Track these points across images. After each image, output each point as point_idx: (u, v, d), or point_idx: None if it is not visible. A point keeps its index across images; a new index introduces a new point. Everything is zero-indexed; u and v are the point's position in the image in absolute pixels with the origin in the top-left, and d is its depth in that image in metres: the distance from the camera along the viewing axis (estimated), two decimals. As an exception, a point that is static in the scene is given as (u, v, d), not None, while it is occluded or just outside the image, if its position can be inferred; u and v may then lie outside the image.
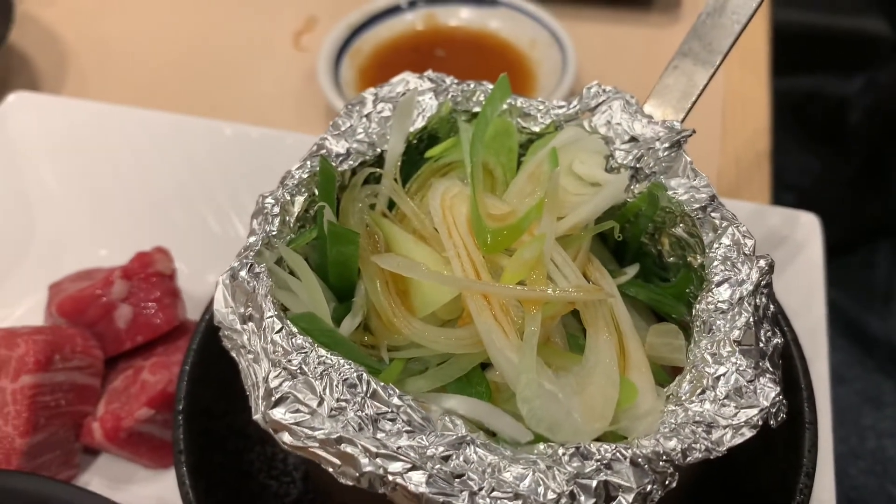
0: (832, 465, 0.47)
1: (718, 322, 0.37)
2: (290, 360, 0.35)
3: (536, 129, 0.47)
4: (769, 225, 0.58)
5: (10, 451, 0.48)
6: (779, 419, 0.36)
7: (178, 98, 0.84)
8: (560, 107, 0.47)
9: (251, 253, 0.39)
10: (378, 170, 0.44)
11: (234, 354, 0.38)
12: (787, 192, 1.43)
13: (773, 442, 0.48)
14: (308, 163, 0.43)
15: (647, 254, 0.45)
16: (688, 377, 0.37)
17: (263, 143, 0.69)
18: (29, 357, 0.48)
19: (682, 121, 0.46)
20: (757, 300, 0.38)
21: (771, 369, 0.37)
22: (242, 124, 0.71)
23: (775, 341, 0.38)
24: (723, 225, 0.40)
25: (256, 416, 0.35)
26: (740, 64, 0.79)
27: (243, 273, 0.38)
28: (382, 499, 0.34)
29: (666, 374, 0.40)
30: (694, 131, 0.43)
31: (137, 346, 0.53)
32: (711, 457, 0.34)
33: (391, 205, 0.44)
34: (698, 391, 0.36)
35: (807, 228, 0.58)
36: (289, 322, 0.36)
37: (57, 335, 0.50)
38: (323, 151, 0.44)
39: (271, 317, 0.36)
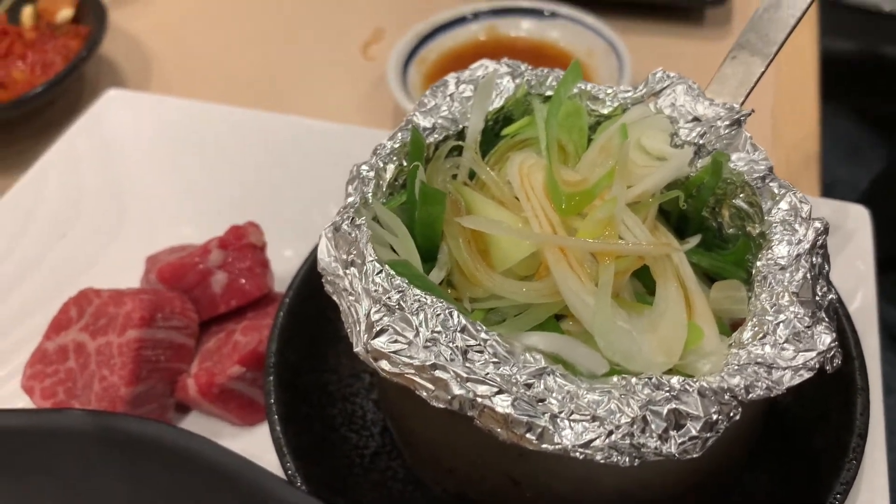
0: (883, 428, 0.49)
1: (778, 276, 0.41)
2: (389, 297, 0.39)
3: (605, 111, 0.51)
4: (820, 215, 0.61)
5: (116, 398, 0.53)
6: (834, 364, 0.39)
7: (254, 103, 0.89)
8: (627, 91, 0.51)
9: (351, 209, 0.44)
10: (460, 143, 0.49)
11: (335, 298, 0.42)
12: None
13: (828, 408, 0.51)
14: (399, 135, 0.48)
15: (707, 228, 0.49)
16: (749, 325, 0.40)
17: (338, 137, 0.74)
18: (135, 314, 0.53)
19: (741, 105, 0.50)
20: (813, 258, 0.41)
21: (826, 319, 0.40)
22: (318, 121, 0.76)
23: (830, 296, 0.41)
24: (781, 192, 0.44)
25: (358, 349, 0.39)
26: (789, 69, 0.83)
27: (345, 225, 0.42)
28: (465, 429, 0.38)
29: (728, 329, 0.43)
30: (753, 111, 0.47)
31: (230, 310, 0.57)
32: (772, 394, 0.38)
33: (471, 176, 0.49)
34: (759, 336, 0.39)
35: (856, 219, 0.61)
36: (387, 266, 0.41)
37: (158, 297, 0.55)
38: (411, 125, 0.48)
39: (372, 261, 0.40)
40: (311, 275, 0.55)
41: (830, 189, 1.58)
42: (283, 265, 0.64)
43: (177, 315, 0.55)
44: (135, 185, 0.73)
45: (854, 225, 0.60)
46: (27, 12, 0.91)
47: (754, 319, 0.40)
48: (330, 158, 0.73)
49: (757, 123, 0.77)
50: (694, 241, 0.47)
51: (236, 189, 0.72)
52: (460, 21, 0.88)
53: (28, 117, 0.83)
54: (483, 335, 0.38)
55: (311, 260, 0.56)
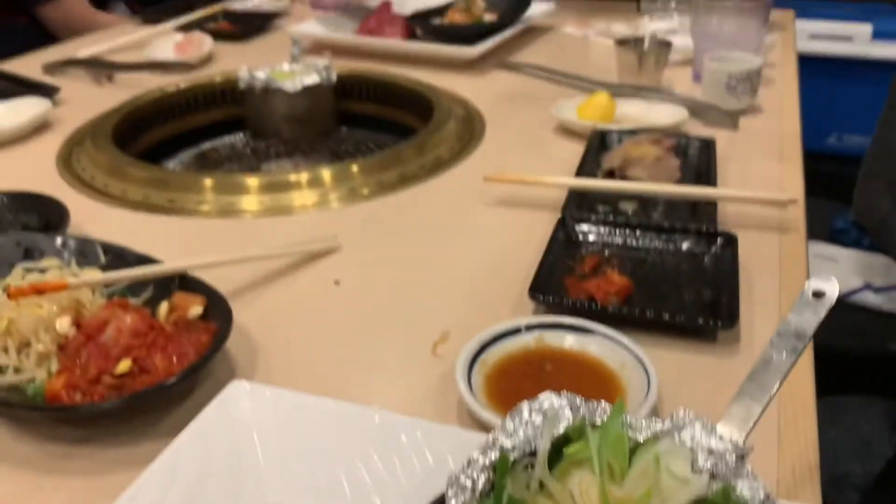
0: None
1: (775, 579, 0.54)
2: (490, 585, 0.53)
3: (641, 439, 0.67)
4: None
5: None
6: None
7: (342, 388, 1.07)
8: (657, 424, 0.67)
9: (457, 511, 0.59)
10: (533, 460, 0.65)
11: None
12: (851, 491, 1.56)
13: None
14: (489, 452, 0.64)
15: (723, 536, 0.63)
16: None
17: (416, 430, 0.90)
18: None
19: (745, 439, 0.66)
20: (802, 570, 0.55)
21: None
22: (400, 416, 0.92)
23: None
24: (775, 515, 0.58)
25: None
26: (791, 391, 0.99)
27: (453, 525, 0.57)
28: None
29: None
30: (752, 448, 0.63)
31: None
32: None
33: (541, 485, 0.64)
34: None
35: (849, 529, 0.74)
36: (487, 559, 0.55)
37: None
38: (497, 444, 0.64)
39: (477, 554, 0.55)
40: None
41: (840, 480, 1.70)
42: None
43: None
44: (250, 463, 0.89)
45: (847, 534, 0.73)
46: (163, 307, 1.12)
47: None
48: (409, 448, 0.89)
49: (765, 435, 0.93)
50: (713, 547, 0.60)
51: (332, 469, 0.88)
52: (515, 332, 1.08)
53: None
54: None
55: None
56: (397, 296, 1.24)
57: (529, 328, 1.08)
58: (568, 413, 0.68)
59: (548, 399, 0.69)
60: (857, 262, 2.19)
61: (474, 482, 0.62)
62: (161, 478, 0.85)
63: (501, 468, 0.63)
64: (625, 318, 1.11)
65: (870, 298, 2.16)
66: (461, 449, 0.87)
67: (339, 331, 1.16)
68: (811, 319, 0.69)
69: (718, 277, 1.19)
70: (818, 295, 0.70)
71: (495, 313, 1.18)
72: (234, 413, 0.92)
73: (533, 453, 0.66)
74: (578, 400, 0.69)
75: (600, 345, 1.05)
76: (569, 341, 1.07)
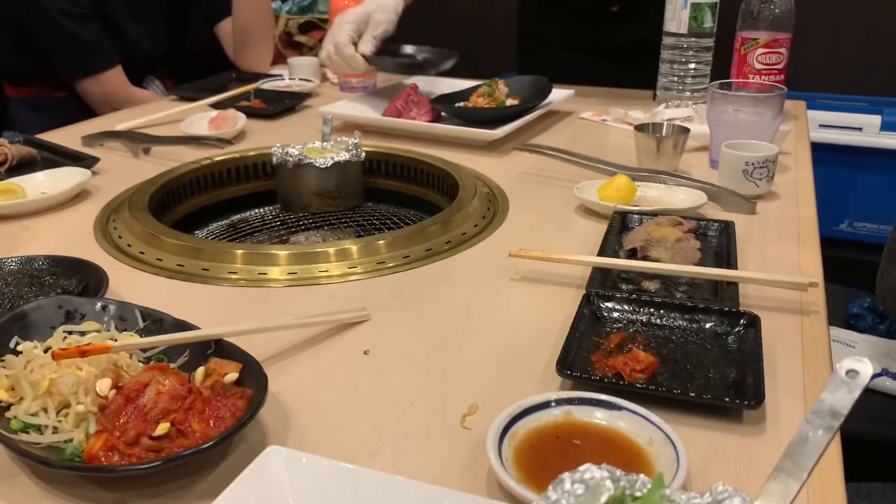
0: None
1: None
2: None
3: (681, 511, 0.68)
4: None
5: None
6: None
7: (372, 456, 1.08)
8: (695, 498, 0.69)
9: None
10: (576, 528, 0.66)
11: None
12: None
13: None
14: (535, 518, 0.65)
15: None
16: None
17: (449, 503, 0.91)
18: None
19: (783, 515, 0.67)
20: None
21: None
22: (437, 487, 0.93)
23: None
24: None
25: None
26: (819, 474, 1.00)
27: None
28: None
29: None
30: (793, 524, 0.65)
31: None
32: None
33: (584, 555, 0.65)
34: None
35: None
36: None
37: None
38: (542, 514, 0.66)
39: None
40: None
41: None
42: None
43: None
44: (284, 528, 0.89)
45: None
46: (199, 372, 1.15)
47: None
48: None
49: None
50: None
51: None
52: (544, 405, 1.10)
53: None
54: None
55: None
56: (425, 366, 1.26)
57: (559, 402, 1.10)
58: (609, 484, 0.69)
59: (589, 470, 0.70)
60: (874, 348, 2.21)
61: (520, 549, 0.63)
62: (199, 540, 0.86)
63: (546, 536, 0.64)
64: (652, 396, 1.13)
65: (887, 384, 2.16)
66: (494, 520, 0.88)
67: (369, 400, 1.18)
68: (845, 398, 0.71)
69: (743, 357, 1.21)
70: (851, 374, 0.72)
71: (522, 387, 1.20)
72: (270, 478, 0.94)
73: (576, 522, 0.67)
74: (618, 472, 0.71)
75: (628, 421, 1.07)
76: (597, 417, 1.08)
